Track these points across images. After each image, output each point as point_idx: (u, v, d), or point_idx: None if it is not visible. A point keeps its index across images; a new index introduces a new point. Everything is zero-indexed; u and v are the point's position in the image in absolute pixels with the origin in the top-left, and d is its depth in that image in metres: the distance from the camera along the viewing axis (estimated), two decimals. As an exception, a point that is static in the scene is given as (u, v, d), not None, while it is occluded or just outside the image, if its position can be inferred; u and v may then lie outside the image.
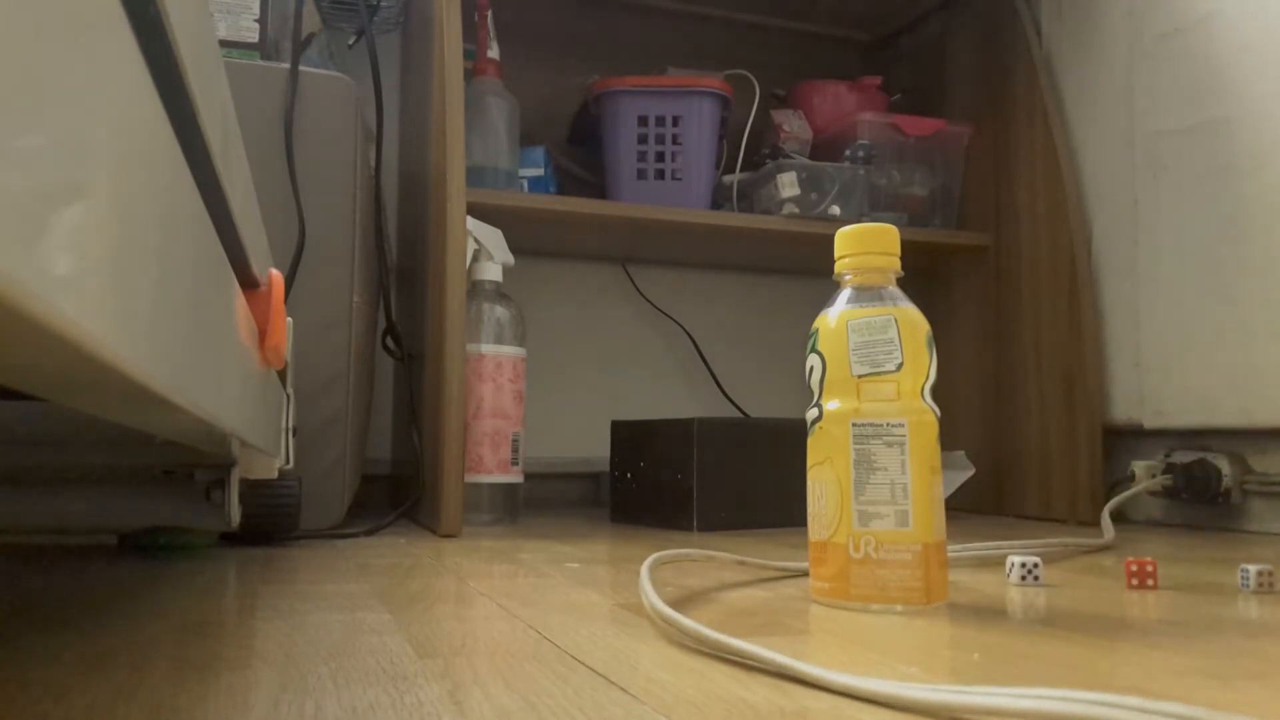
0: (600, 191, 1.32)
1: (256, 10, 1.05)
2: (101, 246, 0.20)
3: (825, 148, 1.36)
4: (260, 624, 0.52)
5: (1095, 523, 1.13)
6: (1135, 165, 1.20)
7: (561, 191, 1.38)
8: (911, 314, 0.58)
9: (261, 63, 1.04)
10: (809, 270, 1.61)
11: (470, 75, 1.23)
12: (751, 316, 1.61)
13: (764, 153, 1.33)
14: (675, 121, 1.26)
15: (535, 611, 0.56)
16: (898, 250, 0.60)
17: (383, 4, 1.28)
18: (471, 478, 1.11)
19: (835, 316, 0.59)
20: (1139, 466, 1.17)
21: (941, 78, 1.50)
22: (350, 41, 1.31)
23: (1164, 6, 1.17)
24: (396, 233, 1.40)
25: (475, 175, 1.18)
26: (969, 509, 1.36)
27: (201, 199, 0.34)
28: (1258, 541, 0.98)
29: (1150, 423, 1.17)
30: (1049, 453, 1.26)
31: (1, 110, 0.14)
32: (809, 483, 0.60)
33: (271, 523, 0.89)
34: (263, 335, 0.58)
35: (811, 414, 0.59)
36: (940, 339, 1.42)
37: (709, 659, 0.43)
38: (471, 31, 1.24)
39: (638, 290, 1.54)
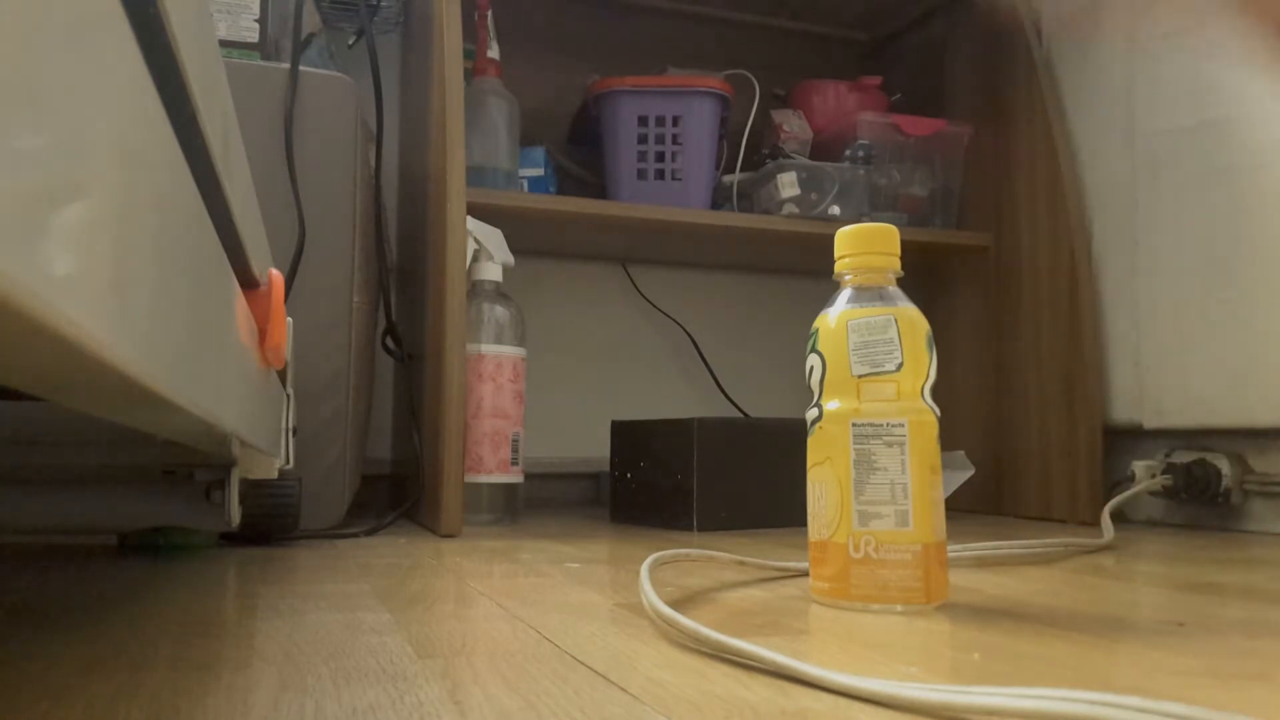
0: (600, 191, 1.32)
1: (256, 10, 1.05)
2: (101, 246, 0.20)
3: (825, 148, 1.36)
4: (260, 624, 0.52)
5: (1095, 523, 1.13)
6: (1135, 165, 1.20)
7: (561, 191, 1.38)
8: (911, 314, 0.58)
9: (261, 63, 1.04)
10: (809, 270, 1.61)
11: (470, 75, 1.23)
12: (751, 316, 1.61)
13: (764, 153, 1.33)
14: (675, 121, 1.26)
15: (535, 611, 0.56)
16: (898, 250, 0.60)
17: (383, 4, 1.28)
18: (471, 478, 1.11)
19: (835, 316, 0.59)
20: (1139, 466, 1.17)
21: (941, 78, 1.50)
22: (350, 41, 1.31)
23: (1164, 6, 1.17)
24: (396, 233, 1.40)
25: (475, 175, 1.18)
26: (969, 509, 1.36)
27: (201, 199, 0.34)
28: (1258, 542, 0.98)
29: (1150, 423, 1.17)
30: (1049, 453, 1.26)
31: (1, 110, 0.14)
32: (809, 483, 0.60)
33: (271, 523, 0.89)
34: (263, 335, 0.58)
35: (811, 414, 0.59)
36: (940, 339, 1.42)
37: (709, 659, 0.43)
38: (471, 31, 1.24)
39: (638, 290, 1.54)
